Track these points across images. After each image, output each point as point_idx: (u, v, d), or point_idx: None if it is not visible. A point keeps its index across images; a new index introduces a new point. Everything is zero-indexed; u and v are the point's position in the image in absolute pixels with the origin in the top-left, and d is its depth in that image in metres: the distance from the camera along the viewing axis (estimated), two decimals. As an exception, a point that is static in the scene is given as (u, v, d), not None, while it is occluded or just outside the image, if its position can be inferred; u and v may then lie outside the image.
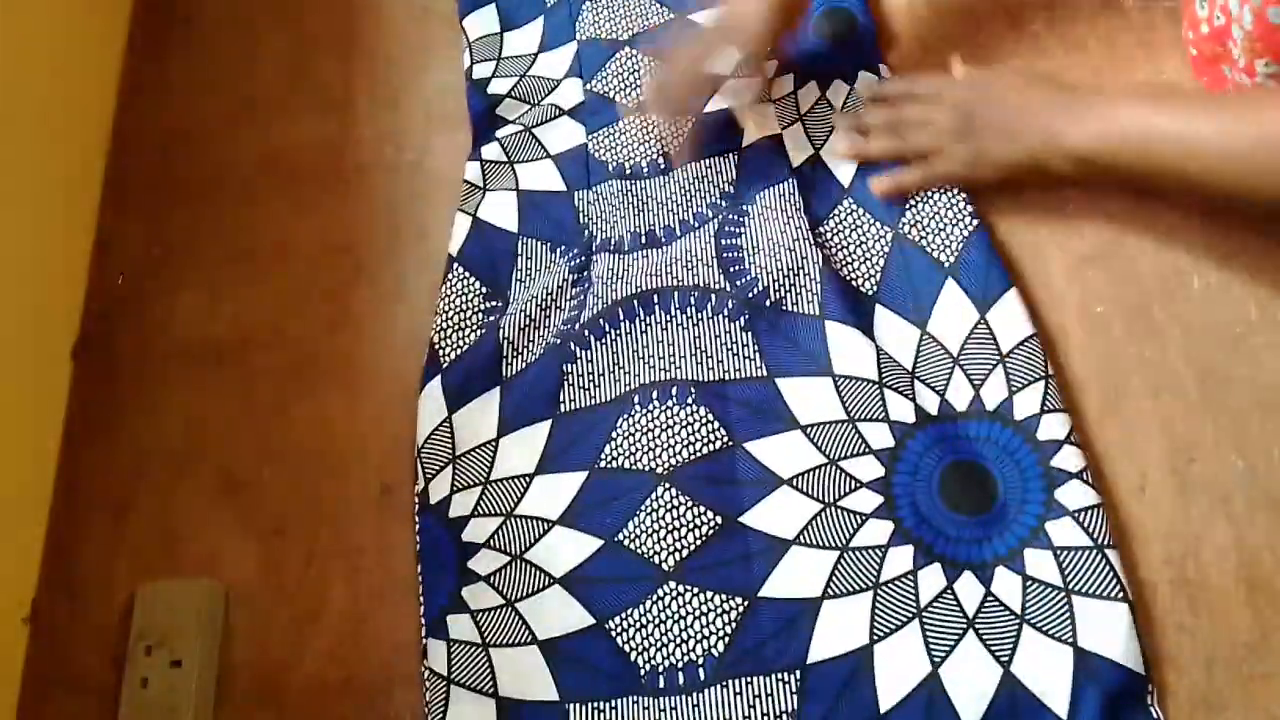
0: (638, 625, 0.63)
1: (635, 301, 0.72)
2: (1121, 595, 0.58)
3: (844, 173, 0.74)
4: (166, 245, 0.83)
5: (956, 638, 0.59)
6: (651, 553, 0.64)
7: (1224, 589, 0.59)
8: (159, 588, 0.69)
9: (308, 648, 0.67)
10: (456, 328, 0.74)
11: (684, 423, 0.67)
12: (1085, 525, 0.60)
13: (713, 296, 0.71)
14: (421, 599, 0.67)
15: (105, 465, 0.75)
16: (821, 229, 0.73)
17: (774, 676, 0.60)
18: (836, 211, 0.73)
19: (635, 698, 0.61)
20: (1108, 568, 0.58)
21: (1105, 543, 0.59)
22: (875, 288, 0.70)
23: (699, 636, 0.61)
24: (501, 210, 0.79)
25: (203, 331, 0.79)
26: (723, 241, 0.73)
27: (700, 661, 0.61)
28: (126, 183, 0.87)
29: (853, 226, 0.72)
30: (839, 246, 0.72)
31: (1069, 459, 0.62)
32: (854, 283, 0.70)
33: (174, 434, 0.75)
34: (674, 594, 0.63)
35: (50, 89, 0.83)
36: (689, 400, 0.67)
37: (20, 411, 0.74)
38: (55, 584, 0.72)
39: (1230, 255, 0.67)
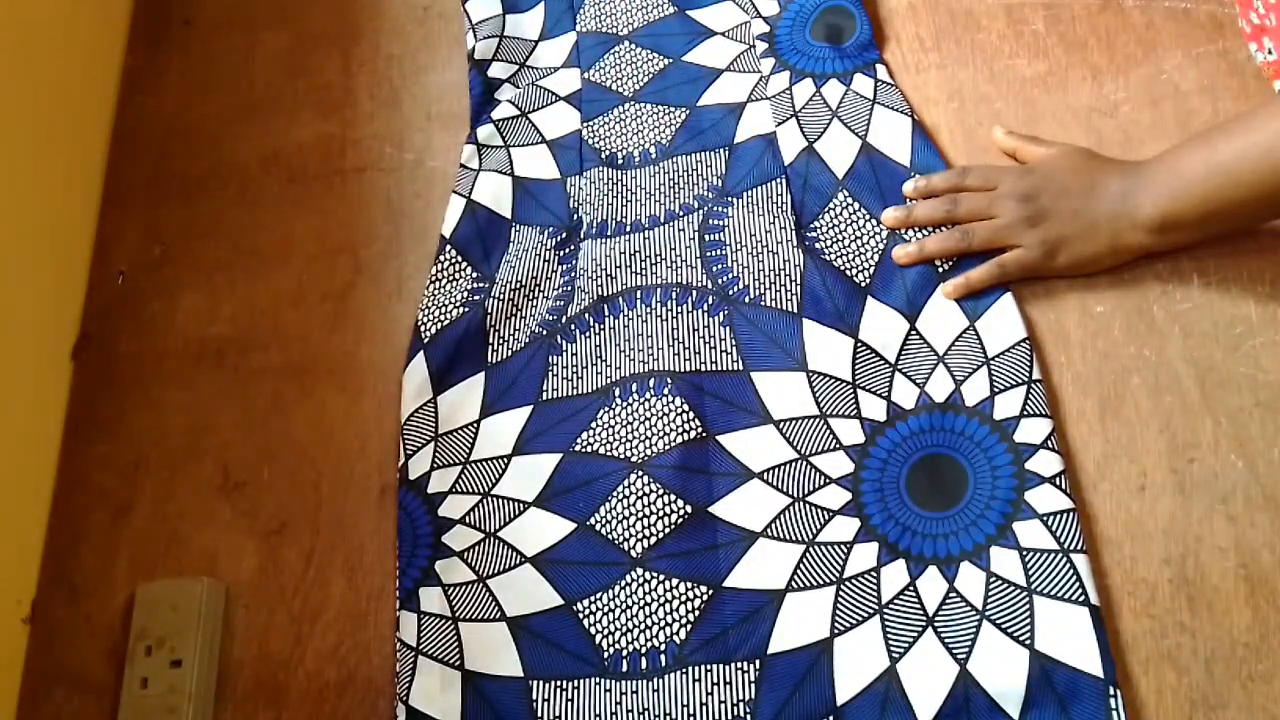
0: (605, 609, 0.64)
1: (620, 298, 0.73)
2: (1084, 599, 0.58)
3: (838, 165, 0.75)
4: (166, 245, 0.83)
5: (915, 634, 0.60)
6: (621, 539, 0.65)
7: (1224, 589, 0.59)
8: (159, 587, 0.69)
9: (308, 647, 0.67)
10: (440, 305, 0.75)
11: (660, 413, 0.68)
12: (1053, 529, 0.60)
13: (694, 292, 0.72)
14: (396, 571, 0.67)
15: (105, 465, 0.75)
16: (815, 224, 0.73)
17: (734, 665, 0.61)
18: (831, 206, 0.73)
19: (597, 679, 0.62)
20: (1071, 572, 0.59)
21: (1072, 548, 0.60)
22: (868, 280, 0.70)
23: (663, 623, 0.63)
24: (495, 194, 0.79)
25: (203, 331, 0.79)
26: (706, 238, 0.74)
27: (663, 647, 0.62)
28: (126, 182, 0.87)
29: (848, 221, 0.73)
30: (834, 239, 0.72)
31: (1045, 463, 0.62)
32: (848, 273, 0.70)
33: (174, 434, 0.75)
34: (641, 580, 0.64)
35: (50, 88, 0.83)
36: (665, 391, 0.68)
37: (20, 411, 0.74)
38: (55, 584, 0.72)
39: (1230, 255, 0.67)
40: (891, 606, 0.61)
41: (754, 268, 0.72)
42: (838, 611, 0.61)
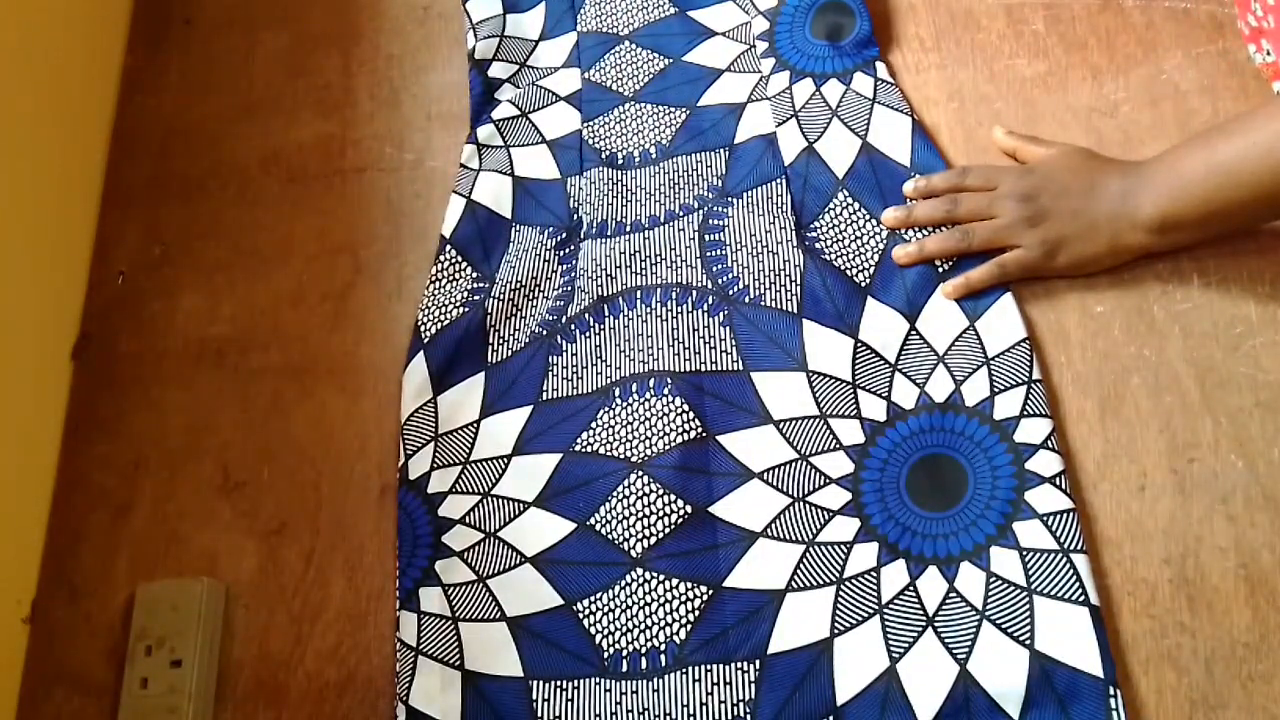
0: (605, 609, 0.64)
1: (620, 299, 0.73)
2: (1083, 599, 0.58)
3: (839, 165, 0.75)
4: (166, 245, 0.83)
5: (915, 634, 0.60)
6: (621, 539, 0.65)
7: (1224, 589, 0.59)
8: (159, 587, 0.69)
9: (308, 647, 0.67)
10: (440, 305, 0.75)
11: (660, 413, 0.68)
12: (1053, 529, 0.60)
13: (694, 292, 0.72)
14: (396, 571, 0.68)
15: (105, 465, 0.75)
16: (815, 224, 0.73)
17: (734, 665, 0.61)
18: (831, 206, 0.73)
19: (597, 679, 0.62)
20: (1071, 572, 0.59)
21: (1072, 548, 0.60)
22: (868, 280, 0.70)
23: (663, 623, 0.63)
24: (495, 194, 0.79)
25: (203, 331, 0.79)
26: (706, 238, 0.74)
27: (663, 647, 0.62)
28: (126, 182, 0.87)
29: (848, 221, 0.73)
30: (834, 239, 0.72)
31: (1045, 463, 0.62)
32: (848, 273, 0.70)
33: (174, 434, 0.75)
34: (641, 580, 0.64)
35: (50, 88, 0.83)
36: (665, 391, 0.68)
37: (20, 411, 0.74)
38: (55, 584, 0.72)
39: (1230, 255, 0.67)
40: (891, 606, 0.61)
41: (754, 268, 0.72)
42: (838, 611, 0.61)
